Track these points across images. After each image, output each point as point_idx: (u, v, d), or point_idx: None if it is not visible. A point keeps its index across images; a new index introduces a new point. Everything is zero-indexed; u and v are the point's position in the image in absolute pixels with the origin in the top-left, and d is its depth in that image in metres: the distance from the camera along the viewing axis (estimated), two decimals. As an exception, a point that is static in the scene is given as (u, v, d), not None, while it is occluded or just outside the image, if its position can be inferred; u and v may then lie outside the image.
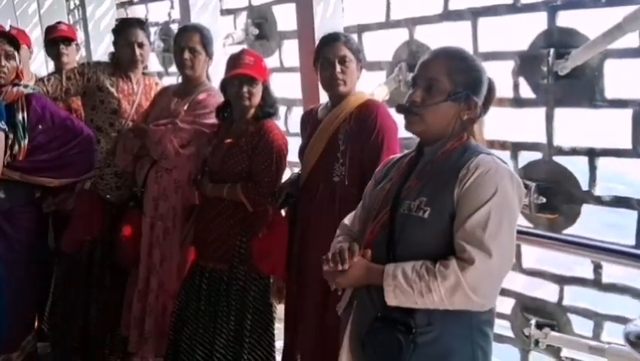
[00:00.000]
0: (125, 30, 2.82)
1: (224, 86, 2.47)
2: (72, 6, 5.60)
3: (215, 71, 2.90)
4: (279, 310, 2.56)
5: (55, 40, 3.26)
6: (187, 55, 2.63)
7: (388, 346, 1.43)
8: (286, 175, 2.55)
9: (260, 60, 2.47)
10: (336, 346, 2.17)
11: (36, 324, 3.07)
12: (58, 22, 3.39)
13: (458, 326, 1.44)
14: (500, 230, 1.38)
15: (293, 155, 2.51)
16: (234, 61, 2.42)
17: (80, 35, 4.42)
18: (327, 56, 2.23)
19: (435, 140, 1.54)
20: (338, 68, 2.21)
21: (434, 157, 1.53)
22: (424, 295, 1.38)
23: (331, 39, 2.26)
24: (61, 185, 2.76)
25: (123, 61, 2.85)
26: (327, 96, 2.35)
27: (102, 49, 4.72)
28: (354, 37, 2.34)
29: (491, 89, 1.57)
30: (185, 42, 2.63)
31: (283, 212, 2.58)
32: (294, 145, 2.55)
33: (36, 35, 4.99)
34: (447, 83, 1.48)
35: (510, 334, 2.95)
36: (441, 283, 1.36)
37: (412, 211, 1.46)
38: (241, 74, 2.37)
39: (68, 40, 3.28)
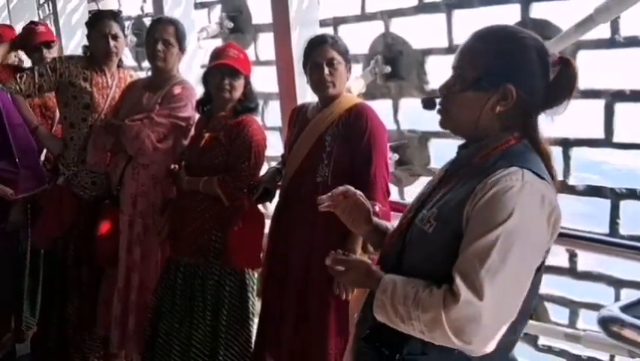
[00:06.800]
0: (99, 22, 2.76)
1: (206, 77, 2.45)
2: (42, 0, 5.48)
3: (189, 66, 2.87)
4: (258, 306, 2.55)
5: (38, 45, 3.13)
6: (160, 46, 2.59)
7: None
8: (263, 170, 2.53)
9: (244, 55, 2.46)
10: (318, 334, 2.19)
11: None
12: (35, 24, 3.26)
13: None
14: (504, 266, 1.10)
15: (271, 149, 2.49)
16: (218, 53, 2.41)
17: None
18: (315, 60, 2.21)
19: (473, 140, 1.28)
20: (326, 70, 2.19)
21: (469, 162, 1.27)
22: (405, 322, 1.17)
23: (318, 42, 2.23)
24: None
25: (97, 54, 2.79)
26: (317, 97, 2.32)
27: (74, 44, 4.63)
28: (342, 38, 2.29)
29: (563, 73, 1.22)
30: (160, 33, 2.60)
31: (262, 207, 2.57)
32: (271, 140, 2.54)
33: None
34: (471, 70, 1.23)
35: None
36: (421, 314, 1.14)
37: (422, 223, 1.25)
38: (224, 64, 2.36)
39: (50, 42, 3.17)
